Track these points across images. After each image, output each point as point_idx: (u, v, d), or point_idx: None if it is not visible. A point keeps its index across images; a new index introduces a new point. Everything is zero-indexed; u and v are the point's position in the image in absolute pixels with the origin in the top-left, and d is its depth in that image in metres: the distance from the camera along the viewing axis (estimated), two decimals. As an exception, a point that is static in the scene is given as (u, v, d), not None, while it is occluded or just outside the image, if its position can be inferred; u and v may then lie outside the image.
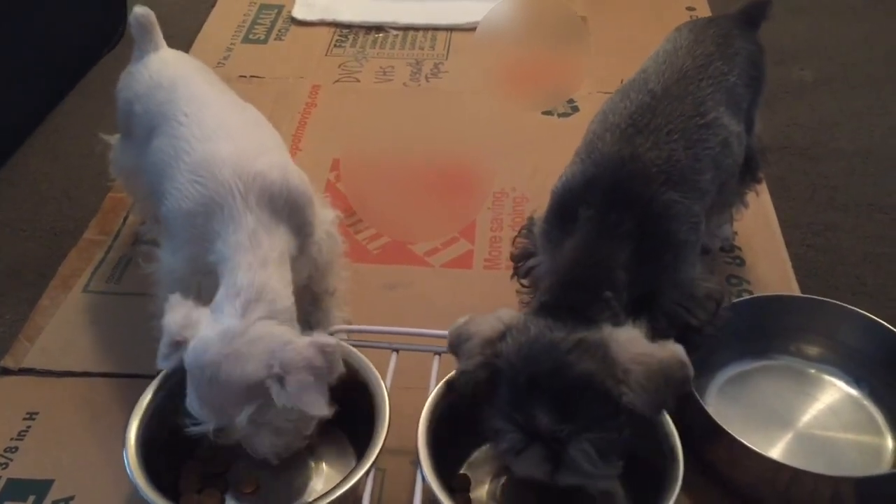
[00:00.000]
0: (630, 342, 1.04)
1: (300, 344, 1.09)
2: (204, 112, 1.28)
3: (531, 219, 1.36)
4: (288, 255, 1.18)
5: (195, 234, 1.19)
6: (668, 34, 1.46)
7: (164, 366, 1.12)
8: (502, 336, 1.06)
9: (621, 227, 1.14)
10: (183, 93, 1.33)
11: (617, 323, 1.09)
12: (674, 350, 1.04)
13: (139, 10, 1.46)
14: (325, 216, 1.33)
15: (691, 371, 1.04)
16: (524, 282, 1.34)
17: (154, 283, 1.31)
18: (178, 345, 1.09)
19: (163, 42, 1.49)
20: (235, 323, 1.09)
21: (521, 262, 1.34)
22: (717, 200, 1.32)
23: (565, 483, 1.03)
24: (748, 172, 1.45)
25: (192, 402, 1.09)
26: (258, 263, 1.13)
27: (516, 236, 1.38)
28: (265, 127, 1.36)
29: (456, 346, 1.11)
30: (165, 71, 1.41)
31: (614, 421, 1.02)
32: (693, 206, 1.20)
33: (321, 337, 1.11)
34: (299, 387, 1.06)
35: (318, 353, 1.09)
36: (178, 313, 1.11)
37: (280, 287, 1.14)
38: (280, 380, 1.06)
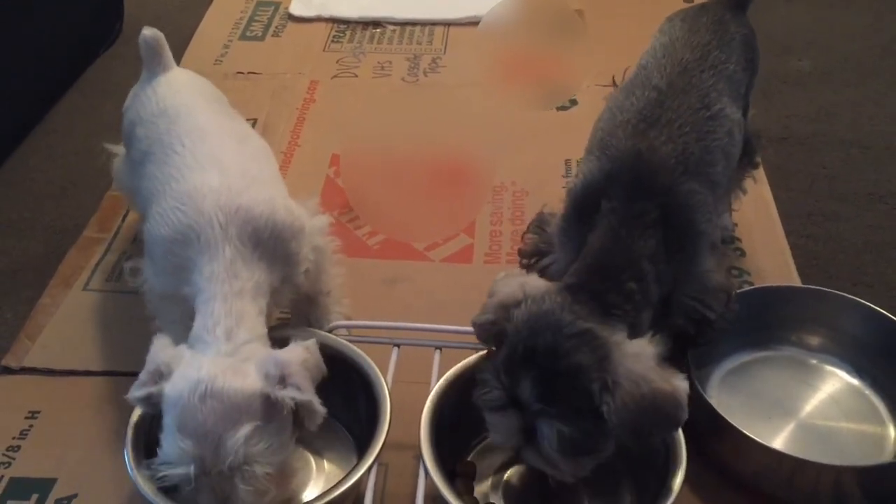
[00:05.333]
0: (635, 358, 1.01)
1: (288, 350, 1.10)
2: (201, 144, 1.27)
3: (541, 214, 1.35)
4: (267, 286, 1.18)
5: (174, 263, 1.18)
6: (660, 25, 1.46)
7: (138, 394, 1.06)
8: (518, 303, 1.06)
9: (646, 217, 1.13)
10: (185, 123, 1.32)
11: (636, 323, 1.08)
12: (676, 387, 1.01)
13: (147, 33, 1.44)
14: (314, 225, 1.32)
15: (685, 414, 1.01)
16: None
17: (143, 298, 1.30)
18: (160, 375, 1.06)
19: (172, 62, 1.47)
20: (224, 346, 1.08)
21: (531, 259, 1.34)
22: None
23: (529, 462, 1.06)
24: (745, 156, 1.45)
25: (169, 443, 1.02)
26: (234, 294, 1.12)
27: (525, 232, 1.37)
28: (263, 160, 1.34)
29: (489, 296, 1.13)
30: (172, 98, 1.38)
31: (589, 423, 1.00)
32: (709, 197, 1.20)
33: (301, 342, 1.12)
34: (301, 380, 1.05)
35: (305, 351, 1.09)
36: (162, 347, 1.10)
37: (254, 315, 1.14)
38: (281, 380, 1.05)
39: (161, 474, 1.02)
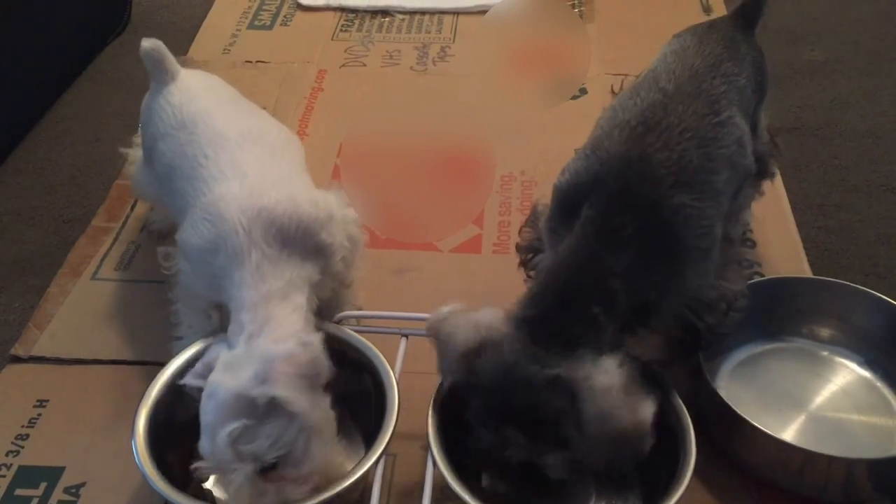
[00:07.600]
0: (603, 394, 1.02)
1: (279, 346, 1.08)
2: (222, 152, 1.28)
3: (535, 208, 1.33)
4: (301, 280, 1.18)
5: (207, 272, 1.20)
6: (668, 40, 1.43)
7: (191, 383, 1.11)
8: (478, 353, 1.07)
9: (623, 233, 1.10)
10: (203, 132, 1.32)
11: (600, 344, 1.07)
12: (640, 419, 1.03)
13: (147, 45, 1.41)
14: (348, 215, 1.31)
15: (648, 444, 1.04)
16: (531, 274, 1.32)
17: (172, 286, 1.32)
18: (209, 370, 1.08)
19: (178, 67, 1.45)
20: (240, 349, 1.09)
21: (527, 255, 1.32)
22: (733, 204, 1.30)
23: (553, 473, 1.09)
24: (758, 174, 1.43)
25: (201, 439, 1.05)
26: (261, 299, 1.13)
27: (522, 226, 1.36)
28: (284, 155, 1.34)
29: (435, 339, 1.13)
30: (188, 107, 1.37)
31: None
32: (706, 209, 1.15)
33: (305, 335, 1.10)
34: (281, 377, 1.03)
35: (300, 346, 1.07)
36: (220, 345, 1.14)
37: (284, 315, 1.13)
38: (263, 378, 1.03)
39: (194, 467, 1.06)
